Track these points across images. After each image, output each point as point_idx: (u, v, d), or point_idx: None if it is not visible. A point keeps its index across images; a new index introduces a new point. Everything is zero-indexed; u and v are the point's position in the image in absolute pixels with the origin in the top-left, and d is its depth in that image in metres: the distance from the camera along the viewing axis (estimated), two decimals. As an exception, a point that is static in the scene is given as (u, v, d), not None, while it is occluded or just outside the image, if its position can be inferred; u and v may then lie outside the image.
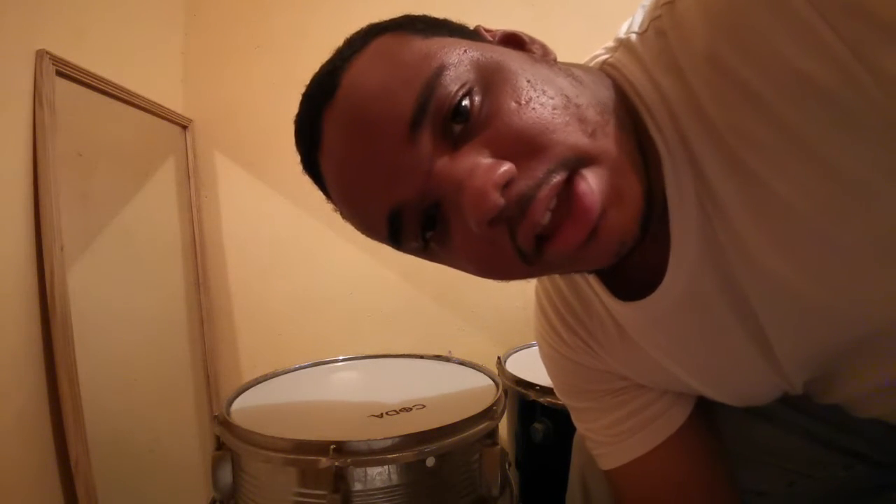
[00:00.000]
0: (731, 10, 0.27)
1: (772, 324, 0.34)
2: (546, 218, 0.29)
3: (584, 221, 0.28)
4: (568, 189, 0.29)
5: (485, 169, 0.28)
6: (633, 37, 0.33)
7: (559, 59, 0.36)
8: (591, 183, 0.29)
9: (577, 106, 0.30)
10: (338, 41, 0.37)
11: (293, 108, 0.37)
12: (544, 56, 0.35)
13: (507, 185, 0.28)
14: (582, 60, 0.38)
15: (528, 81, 0.30)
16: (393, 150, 0.30)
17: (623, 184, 0.29)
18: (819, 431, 0.48)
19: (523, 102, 0.29)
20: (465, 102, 0.29)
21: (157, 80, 1.20)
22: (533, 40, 0.36)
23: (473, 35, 0.35)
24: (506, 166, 0.28)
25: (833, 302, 0.31)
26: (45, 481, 0.78)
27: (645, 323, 0.39)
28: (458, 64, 0.30)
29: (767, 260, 0.30)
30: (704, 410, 0.47)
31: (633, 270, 0.36)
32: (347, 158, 0.32)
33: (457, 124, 0.30)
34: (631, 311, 0.39)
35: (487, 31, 0.36)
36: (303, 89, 0.36)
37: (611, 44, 0.36)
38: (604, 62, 0.35)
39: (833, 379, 0.38)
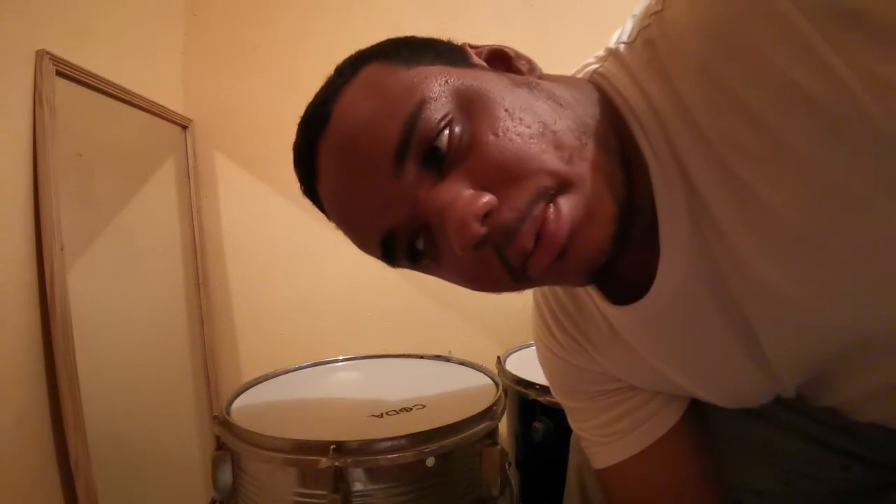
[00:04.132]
0: (721, 18, 0.27)
1: (763, 329, 0.34)
2: (532, 243, 0.31)
3: (551, 246, 0.30)
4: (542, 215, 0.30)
5: (465, 200, 0.30)
6: (622, 47, 0.33)
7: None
8: (564, 210, 0.30)
9: (554, 133, 0.31)
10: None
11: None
12: (530, 73, 0.36)
13: (487, 214, 0.30)
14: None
15: (507, 110, 0.31)
16: (381, 180, 0.32)
17: (596, 206, 0.31)
18: (816, 432, 0.48)
19: (500, 133, 0.31)
20: (445, 133, 0.31)
21: (157, 80, 1.20)
22: (519, 56, 0.37)
23: (459, 56, 0.35)
24: (486, 198, 0.30)
25: (824, 308, 0.31)
26: (45, 481, 0.78)
27: (636, 326, 0.40)
28: (439, 96, 0.32)
29: (758, 266, 0.31)
30: (697, 411, 0.47)
31: (627, 274, 0.36)
32: (340, 188, 0.34)
33: (439, 155, 0.31)
34: (622, 314, 0.39)
35: (473, 47, 0.37)
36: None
37: (601, 53, 0.36)
38: (593, 72, 0.36)
39: (826, 383, 0.38)
